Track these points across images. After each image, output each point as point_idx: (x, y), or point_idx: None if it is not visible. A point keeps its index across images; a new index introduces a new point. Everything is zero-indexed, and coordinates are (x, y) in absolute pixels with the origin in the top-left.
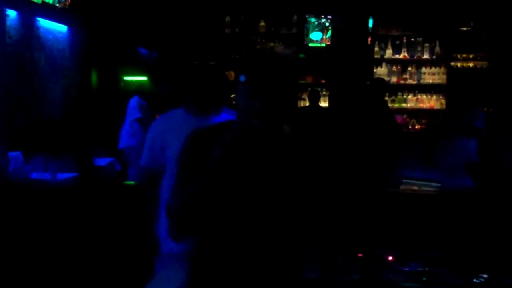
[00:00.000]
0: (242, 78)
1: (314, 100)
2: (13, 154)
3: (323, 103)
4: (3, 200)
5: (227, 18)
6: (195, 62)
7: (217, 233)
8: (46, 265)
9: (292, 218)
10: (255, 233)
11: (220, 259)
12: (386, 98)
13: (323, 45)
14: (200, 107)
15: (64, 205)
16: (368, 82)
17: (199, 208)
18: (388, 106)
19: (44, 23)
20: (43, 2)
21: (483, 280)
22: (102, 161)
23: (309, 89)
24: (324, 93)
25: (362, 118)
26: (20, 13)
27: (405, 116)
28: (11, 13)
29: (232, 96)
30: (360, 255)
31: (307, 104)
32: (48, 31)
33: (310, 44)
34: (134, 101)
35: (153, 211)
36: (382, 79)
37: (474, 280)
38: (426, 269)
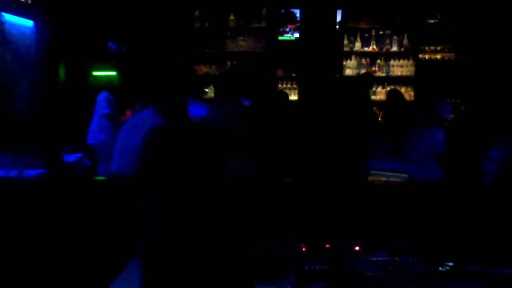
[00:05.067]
0: (247, 102)
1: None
2: None
3: (294, 96)
4: None
5: (197, 12)
6: (162, 59)
7: (168, 230)
8: (12, 264)
9: (242, 215)
10: (204, 231)
11: (173, 253)
12: None
13: (293, 38)
14: (164, 110)
15: (32, 202)
16: (338, 75)
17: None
18: (371, 100)
19: (8, 17)
20: None
21: (448, 268)
22: (70, 157)
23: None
24: (295, 86)
25: (341, 109)
26: None
27: (374, 108)
28: None
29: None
30: (327, 246)
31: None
32: (13, 25)
33: (280, 38)
34: (102, 97)
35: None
36: (370, 74)
37: (440, 268)
38: (392, 258)
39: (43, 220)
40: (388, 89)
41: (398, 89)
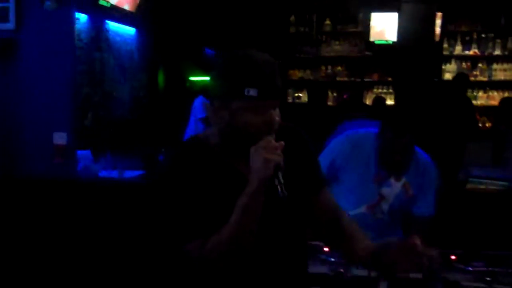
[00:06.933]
0: (253, 92)
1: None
2: (82, 152)
3: (390, 101)
4: (72, 197)
5: (292, 18)
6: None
7: None
8: (114, 261)
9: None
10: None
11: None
12: None
13: (390, 42)
14: None
15: (131, 203)
16: (436, 79)
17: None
18: (472, 104)
19: (112, 25)
20: (112, 6)
21: None
22: None
23: (374, 96)
24: (391, 91)
25: (439, 114)
26: (90, 17)
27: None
28: (82, 17)
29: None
30: None
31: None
32: (116, 33)
33: (376, 42)
34: (199, 101)
35: None
36: (465, 75)
37: None
38: (490, 268)
39: (141, 219)
40: (490, 93)
41: (501, 94)
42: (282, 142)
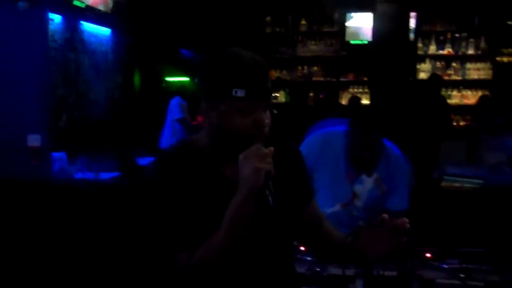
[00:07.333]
0: (240, 92)
1: (356, 105)
2: (57, 154)
3: (365, 101)
4: (47, 199)
5: (268, 18)
6: None
7: None
8: (89, 264)
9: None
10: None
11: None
12: None
13: (365, 42)
14: None
15: (107, 204)
16: (411, 79)
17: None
18: (447, 104)
19: (87, 26)
20: (87, 6)
21: None
22: (144, 161)
23: (350, 96)
24: (366, 90)
25: (413, 113)
26: (64, 17)
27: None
28: (56, 18)
29: None
30: None
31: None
32: (91, 34)
33: (351, 42)
34: (175, 102)
35: None
36: (438, 75)
37: None
38: (464, 265)
39: (117, 220)
40: (464, 92)
41: (475, 93)
42: (272, 148)
